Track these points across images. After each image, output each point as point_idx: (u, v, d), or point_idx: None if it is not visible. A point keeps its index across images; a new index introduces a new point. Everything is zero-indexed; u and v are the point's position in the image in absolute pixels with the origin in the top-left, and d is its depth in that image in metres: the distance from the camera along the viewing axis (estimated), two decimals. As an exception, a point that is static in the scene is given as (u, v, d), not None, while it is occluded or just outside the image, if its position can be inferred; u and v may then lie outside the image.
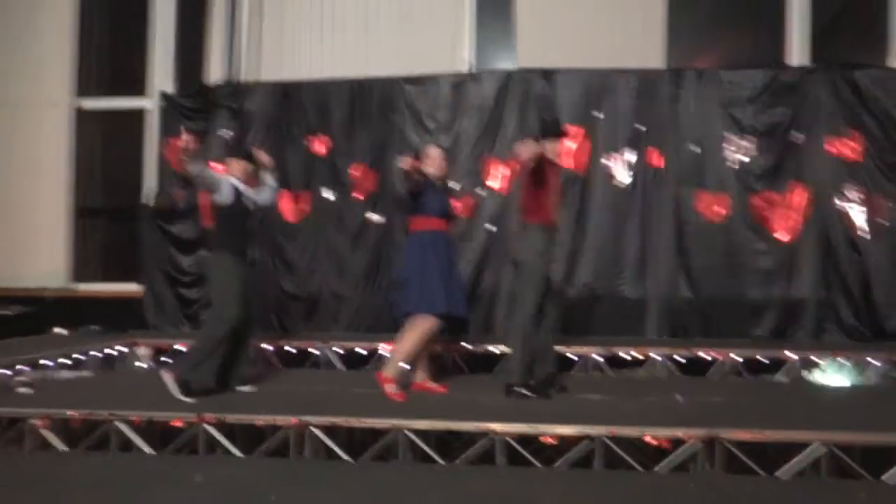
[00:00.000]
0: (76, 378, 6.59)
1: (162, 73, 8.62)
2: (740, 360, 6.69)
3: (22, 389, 5.74)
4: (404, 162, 5.42)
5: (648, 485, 4.09)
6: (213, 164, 8.00)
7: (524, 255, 5.54)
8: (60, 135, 8.54)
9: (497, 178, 7.79)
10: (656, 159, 7.59)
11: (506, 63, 8.16)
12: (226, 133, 8.14)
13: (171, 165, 8.20)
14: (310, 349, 7.14)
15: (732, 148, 7.50)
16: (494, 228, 7.72)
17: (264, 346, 7.08)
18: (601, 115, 7.68)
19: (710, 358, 6.69)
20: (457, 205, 7.38)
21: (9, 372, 6.00)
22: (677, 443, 4.45)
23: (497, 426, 4.62)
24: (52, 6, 8.61)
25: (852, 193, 7.37)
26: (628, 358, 6.85)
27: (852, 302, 7.30)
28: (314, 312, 7.94)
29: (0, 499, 3.67)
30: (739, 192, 7.50)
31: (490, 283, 7.69)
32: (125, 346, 7.22)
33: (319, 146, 8.05)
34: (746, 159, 7.51)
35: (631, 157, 7.64)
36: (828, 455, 4.33)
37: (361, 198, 7.94)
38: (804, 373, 6.68)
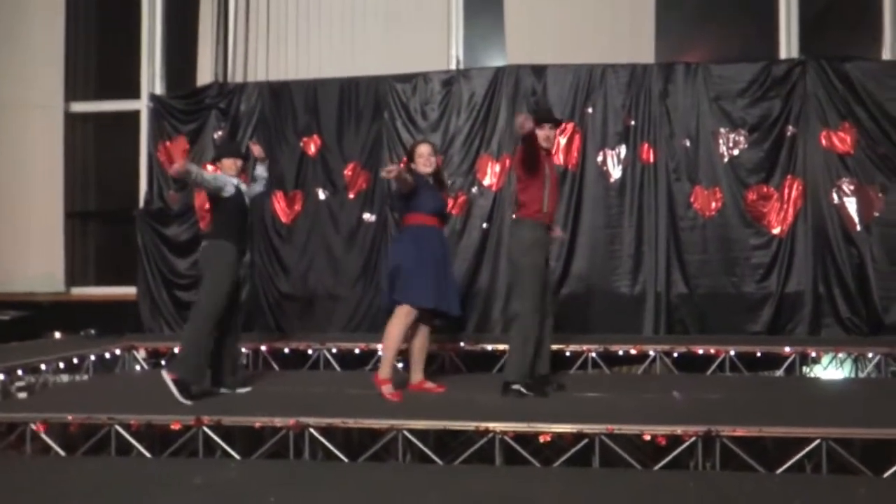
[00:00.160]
0: (73, 382, 6.59)
1: (152, 75, 8.61)
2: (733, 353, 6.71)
3: (20, 394, 5.73)
4: (387, 172, 5.33)
5: (647, 483, 4.09)
6: (209, 165, 8.07)
7: (515, 251, 5.54)
8: (52, 138, 8.50)
9: (489, 174, 7.79)
10: (648, 154, 7.60)
11: (495, 60, 8.16)
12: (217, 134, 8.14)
13: (163, 167, 8.19)
14: (306, 350, 7.13)
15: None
16: (486, 225, 7.71)
17: (261, 347, 7.08)
18: (592, 111, 7.68)
19: (706, 354, 6.68)
20: (449, 202, 7.40)
21: (6, 377, 5.98)
22: (675, 440, 4.46)
23: (495, 425, 4.62)
24: (40, 9, 8.56)
25: (846, 186, 7.40)
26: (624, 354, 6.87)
27: (849, 296, 7.32)
28: (310, 313, 7.94)
29: (-1, 505, 3.67)
30: (733, 186, 7.52)
31: (485, 281, 7.69)
32: (122, 349, 7.20)
33: (311, 146, 8.03)
34: (738, 153, 7.53)
35: (622, 152, 7.65)
36: (827, 451, 4.34)
37: (354, 197, 7.93)
38: (803, 368, 6.71)
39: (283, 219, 8.04)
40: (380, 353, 6.51)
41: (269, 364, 7.08)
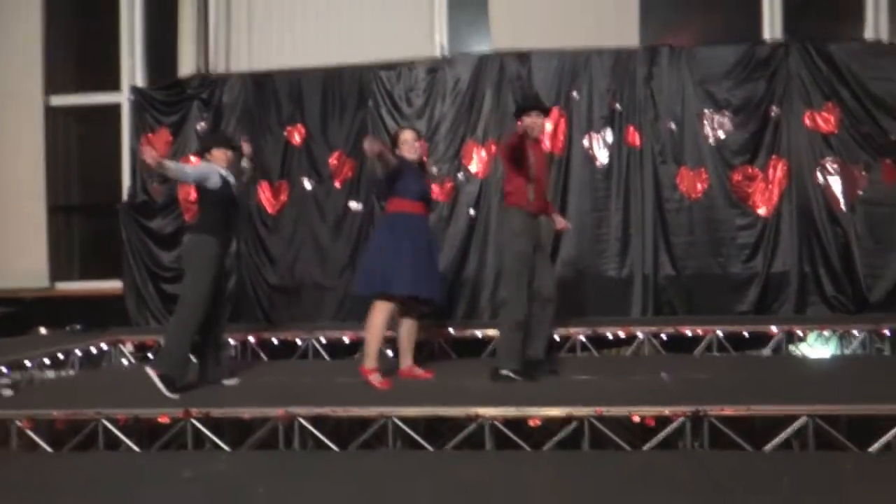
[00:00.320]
0: (60, 378, 6.55)
1: (132, 67, 8.53)
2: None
3: (4, 391, 5.69)
4: (369, 143, 5.20)
5: (636, 464, 4.10)
6: (192, 157, 8.02)
7: (502, 238, 5.55)
8: (32, 133, 8.40)
9: (475, 161, 7.77)
10: (634, 138, 7.60)
11: (480, 46, 8.13)
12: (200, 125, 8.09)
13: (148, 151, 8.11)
14: (295, 340, 7.11)
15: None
16: (473, 212, 7.70)
17: (249, 338, 7.06)
18: (577, 96, 7.67)
19: (694, 334, 6.71)
20: (436, 189, 7.39)
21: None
22: (664, 421, 4.48)
23: (485, 411, 4.62)
24: (18, 1, 8.46)
25: (830, 166, 7.42)
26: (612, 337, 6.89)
27: (834, 274, 7.36)
28: (298, 303, 7.92)
29: (-14, 502, 3.64)
30: (718, 167, 7.53)
31: (473, 268, 7.68)
32: (108, 343, 7.16)
33: (295, 135, 7.99)
34: (723, 135, 7.54)
35: (608, 136, 7.64)
36: (813, 428, 4.37)
37: (339, 186, 7.90)
38: (789, 347, 6.74)
39: (269, 209, 8.01)
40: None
41: (258, 355, 7.06)
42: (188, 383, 5.39)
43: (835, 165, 7.43)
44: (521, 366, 5.42)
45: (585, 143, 7.65)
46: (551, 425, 4.68)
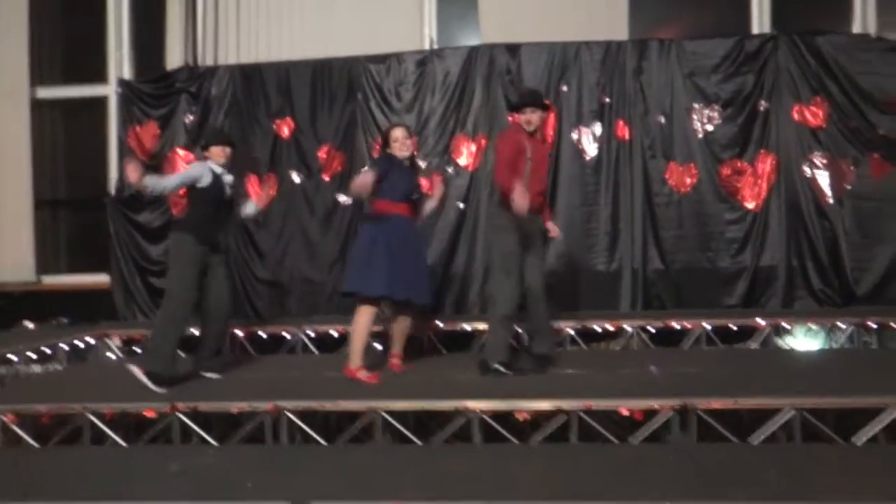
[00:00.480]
0: (46, 372, 6.52)
1: (120, 60, 8.48)
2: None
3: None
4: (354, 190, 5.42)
5: (624, 457, 4.12)
6: (179, 150, 7.99)
7: (491, 233, 5.54)
8: (18, 125, 8.33)
9: (465, 154, 7.76)
10: (623, 131, 7.60)
11: (469, 39, 8.11)
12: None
13: (134, 153, 8.08)
14: (283, 334, 7.09)
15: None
16: (462, 205, 7.69)
17: (238, 332, 7.03)
18: (567, 89, 7.66)
19: (682, 328, 6.73)
20: (425, 183, 7.36)
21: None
22: (652, 414, 4.49)
23: (473, 404, 4.62)
24: (4, -6, 8.41)
25: (818, 160, 7.44)
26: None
27: (822, 268, 7.38)
28: (286, 297, 7.89)
29: (-29, 498, 3.62)
30: (707, 162, 7.54)
31: (462, 262, 7.67)
32: (95, 337, 7.12)
33: (284, 129, 7.96)
34: (712, 129, 7.55)
35: (597, 130, 7.64)
36: (800, 420, 4.39)
37: (329, 179, 7.87)
38: (776, 340, 6.77)
39: (258, 203, 7.95)
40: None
41: (246, 349, 7.04)
42: (177, 377, 5.36)
43: (823, 160, 7.44)
44: (508, 359, 5.42)
45: (575, 136, 7.64)
46: (540, 419, 4.68)
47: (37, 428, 4.98)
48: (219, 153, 5.59)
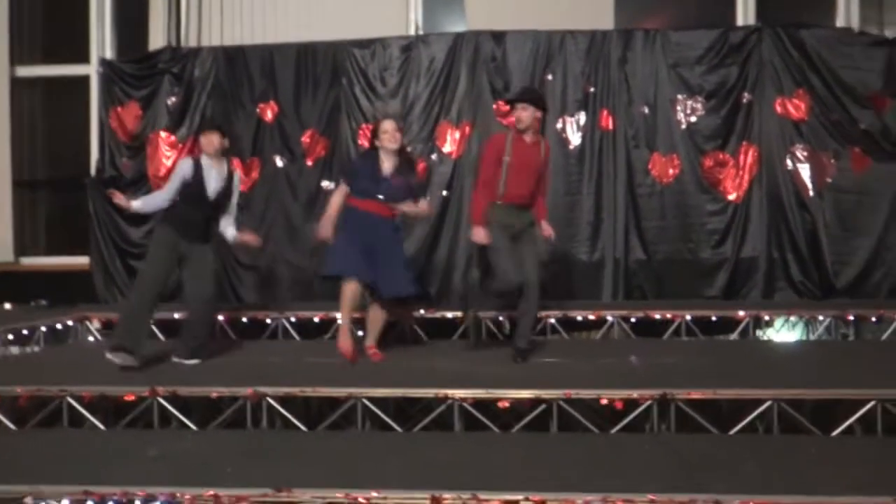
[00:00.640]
0: (24, 354, 6.47)
1: (101, 39, 8.37)
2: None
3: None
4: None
5: (604, 446, 4.14)
6: (162, 132, 7.91)
7: None
8: (-4, 105, 8.26)
9: (449, 141, 7.74)
10: (607, 121, 7.61)
11: (455, 25, 8.08)
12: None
13: (115, 134, 8.01)
14: (265, 319, 7.06)
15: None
16: (446, 193, 7.68)
17: (219, 317, 6.99)
18: (551, 78, 7.65)
19: (663, 318, 6.75)
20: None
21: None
22: (632, 404, 4.51)
23: (454, 392, 4.63)
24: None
25: (800, 152, 7.48)
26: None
27: (802, 260, 7.44)
28: (268, 282, 7.86)
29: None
30: (690, 153, 7.56)
31: (445, 250, 7.66)
32: (74, 320, 7.06)
33: (267, 112, 7.90)
34: (695, 120, 7.57)
35: (582, 119, 7.64)
36: (778, 411, 4.43)
37: (312, 164, 7.83)
38: (756, 331, 6.82)
39: (241, 187, 7.89)
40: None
41: (227, 334, 7.01)
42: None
43: (804, 152, 7.49)
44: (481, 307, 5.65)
45: (559, 125, 7.64)
46: (520, 407, 4.70)
47: (14, 410, 4.94)
48: (205, 143, 5.56)
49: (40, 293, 7.85)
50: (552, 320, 6.80)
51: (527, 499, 3.20)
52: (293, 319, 7.00)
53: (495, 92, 7.64)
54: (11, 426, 4.82)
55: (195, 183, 5.49)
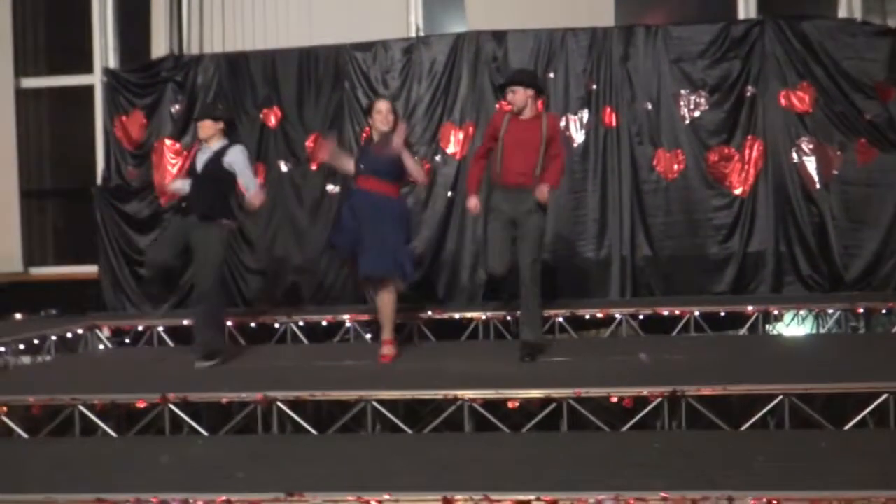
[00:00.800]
0: (35, 364, 6.50)
1: (105, 49, 8.41)
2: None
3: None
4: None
5: (614, 445, 4.14)
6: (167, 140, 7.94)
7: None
8: (3, 116, 8.24)
9: (452, 142, 7.74)
10: (610, 118, 7.60)
11: (456, 26, 8.08)
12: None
13: (120, 143, 8.03)
14: (273, 324, 7.07)
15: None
16: (451, 194, 7.68)
17: (227, 322, 6.99)
18: (554, 76, 7.65)
19: (671, 315, 6.74)
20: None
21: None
22: (642, 401, 4.51)
23: (463, 393, 4.63)
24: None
25: (805, 145, 7.46)
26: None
27: (810, 254, 7.40)
28: (275, 286, 7.87)
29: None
30: (694, 148, 7.54)
31: (451, 250, 7.64)
32: (84, 329, 7.09)
33: (271, 118, 7.92)
34: (699, 115, 7.55)
35: (585, 116, 7.63)
36: (789, 406, 4.42)
37: (316, 168, 7.84)
38: (765, 326, 6.80)
39: (245, 192, 7.92)
40: (349, 324, 6.57)
41: (236, 339, 7.01)
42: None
43: (810, 145, 7.46)
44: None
45: (562, 123, 7.61)
46: (530, 407, 4.70)
47: (27, 419, 4.97)
48: (200, 129, 5.90)
49: (50, 303, 7.89)
50: (560, 319, 6.79)
51: (538, 498, 3.21)
52: (301, 323, 7.01)
53: (497, 92, 7.64)
54: (24, 435, 4.85)
55: (192, 164, 5.94)
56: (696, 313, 6.72)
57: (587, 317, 6.84)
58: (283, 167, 7.89)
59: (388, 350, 5.70)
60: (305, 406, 4.89)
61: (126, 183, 8.04)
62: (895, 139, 7.33)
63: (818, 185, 7.41)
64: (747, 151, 7.52)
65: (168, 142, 7.98)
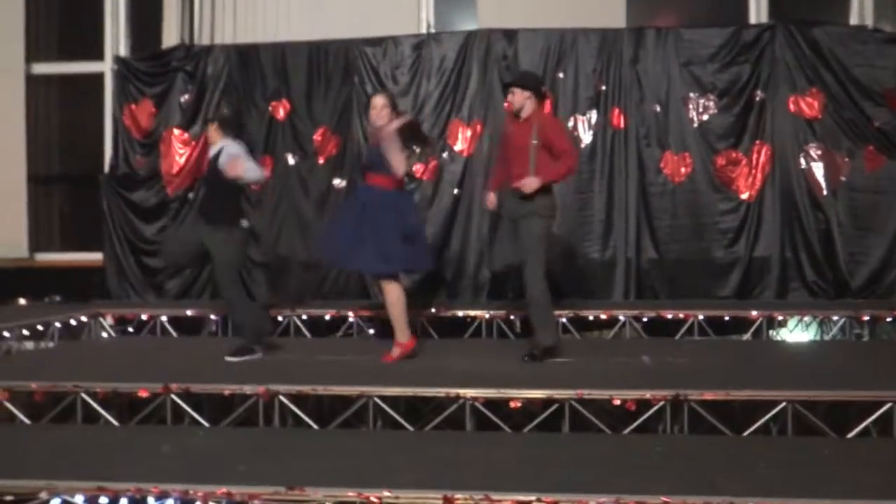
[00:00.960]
0: (38, 350, 6.51)
1: (116, 37, 8.41)
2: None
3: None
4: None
5: (616, 447, 4.14)
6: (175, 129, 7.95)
7: None
8: (13, 101, 8.25)
9: (460, 140, 7.73)
10: (619, 120, 7.58)
11: (467, 23, 8.07)
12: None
13: (129, 132, 8.04)
14: (276, 317, 7.07)
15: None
16: (457, 191, 7.67)
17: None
18: (563, 76, 7.63)
19: (675, 318, 6.73)
20: (420, 167, 7.35)
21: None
22: (644, 404, 4.50)
23: (465, 391, 4.63)
24: (-2, -32, 8.32)
25: (813, 151, 7.44)
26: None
27: (815, 260, 7.39)
28: (280, 280, 7.87)
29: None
30: (702, 151, 7.53)
31: (457, 248, 7.64)
32: (88, 316, 7.10)
33: (279, 110, 7.91)
34: (708, 119, 7.54)
35: (593, 117, 7.62)
36: (792, 413, 4.41)
37: (324, 162, 7.84)
38: (769, 331, 6.79)
39: (252, 185, 7.93)
40: (352, 319, 6.57)
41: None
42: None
43: (818, 151, 7.44)
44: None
45: (570, 124, 7.61)
46: (532, 407, 4.70)
47: (29, 405, 4.98)
48: (209, 130, 5.97)
49: (54, 289, 7.90)
50: (564, 320, 6.78)
51: (539, 499, 3.20)
52: (304, 317, 7.02)
53: (505, 91, 7.62)
54: (26, 421, 4.87)
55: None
56: (700, 317, 6.71)
57: (591, 318, 6.84)
58: (291, 160, 7.89)
59: (396, 351, 5.59)
60: (307, 400, 4.89)
61: (133, 171, 8.05)
62: (903, 147, 7.32)
63: (825, 192, 7.40)
64: (755, 156, 7.51)
65: (176, 131, 7.98)
